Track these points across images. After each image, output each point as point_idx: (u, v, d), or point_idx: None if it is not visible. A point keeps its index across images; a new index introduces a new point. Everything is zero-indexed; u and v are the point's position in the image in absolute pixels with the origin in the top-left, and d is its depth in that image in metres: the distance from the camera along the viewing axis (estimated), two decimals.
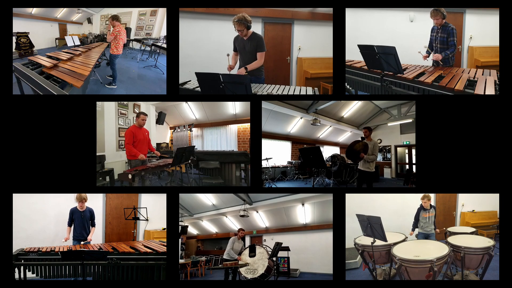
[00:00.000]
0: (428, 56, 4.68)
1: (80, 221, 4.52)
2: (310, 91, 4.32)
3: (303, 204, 5.53)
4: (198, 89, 4.17)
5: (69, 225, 4.54)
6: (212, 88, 3.83)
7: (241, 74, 4.40)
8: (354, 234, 4.17)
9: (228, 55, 4.60)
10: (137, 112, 5.60)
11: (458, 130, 3.94)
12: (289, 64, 5.70)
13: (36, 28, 4.72)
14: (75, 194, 4.51)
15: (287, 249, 5.27)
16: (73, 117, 3.94)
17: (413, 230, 4.47)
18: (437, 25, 4.50)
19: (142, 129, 5.02)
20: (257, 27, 5.32)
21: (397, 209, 4.70)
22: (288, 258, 5.46)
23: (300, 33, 5.64)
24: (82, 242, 4.50)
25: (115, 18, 5.37)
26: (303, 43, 5.67)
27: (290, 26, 5.63)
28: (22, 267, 3.86)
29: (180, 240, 4.76)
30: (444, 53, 4.53)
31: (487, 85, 3.85)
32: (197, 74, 3.85)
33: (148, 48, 6.29)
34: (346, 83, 4.15)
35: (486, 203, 5.15)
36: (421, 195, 4.37)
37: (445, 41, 4.51)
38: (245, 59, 4.55)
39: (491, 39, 4.20)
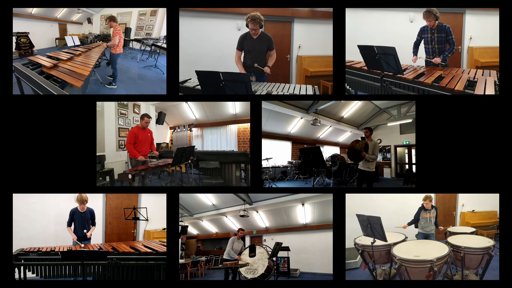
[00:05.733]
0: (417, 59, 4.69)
1: (81, 222, 4.51)
2: (310, 89, 4.32)
3: (303, 204, 5.53)
4: (199, 87, 4.16)
5: (69, 225, 4.53)
6: (212, 86, 3.83)
7: (243, 73, 4.40)
8: (354, 234, 4.17)
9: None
10: (141, 113, 5.62)
11: (458, 130, 3.94)
12: (289, 62, 5.69)
13: (36, 28, 4.71)
14: (76, 196, 4.49)
15: (287, 249, 5.26)
16: (73, 117, 3.93)
17: (408, 224, 4.46)
18: (430, 26, 4.49)
19: (146, 130, 5.11)
20: None
21: (397, 209, 4.70)
22: (288, 258, 5.46)
23: (300, 31, 5.63)
24: (80, 242, 4.48)
25: (112, 19, 5.38)
26: (303, 41, 5.65)
27: (290, 24, 5.61)
28: (22, 267, 3.86)
29: (180, 240, 4.76)
30: (443, 55, 4.55)
31: (487, 86, 3.85)
32: (197, 72, 3.85)
33: (148, 48, 6.29)
34: (346, 84, 4.15)
35: (486, 203, 5.15)
36: (422, 195, 4.36)
37: (444, 41, 4.51)
38: (255, 58, 4.56)
39: (491, 40, 4.20)
